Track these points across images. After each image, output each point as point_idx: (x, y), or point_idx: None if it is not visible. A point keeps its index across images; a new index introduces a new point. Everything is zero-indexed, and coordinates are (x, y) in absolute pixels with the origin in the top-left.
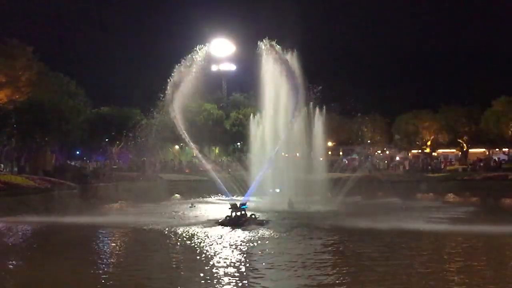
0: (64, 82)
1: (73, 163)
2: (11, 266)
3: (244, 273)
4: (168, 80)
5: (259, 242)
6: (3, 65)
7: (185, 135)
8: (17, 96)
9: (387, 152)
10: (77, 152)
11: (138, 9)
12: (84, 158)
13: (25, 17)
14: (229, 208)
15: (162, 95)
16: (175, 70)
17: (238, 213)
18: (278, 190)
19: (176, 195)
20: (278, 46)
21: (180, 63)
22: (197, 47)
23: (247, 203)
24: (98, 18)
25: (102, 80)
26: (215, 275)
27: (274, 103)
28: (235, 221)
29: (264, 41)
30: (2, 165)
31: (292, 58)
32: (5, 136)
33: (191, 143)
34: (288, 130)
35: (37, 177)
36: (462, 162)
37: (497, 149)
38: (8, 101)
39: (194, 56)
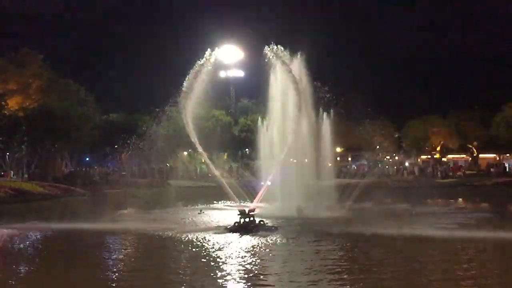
0: (73, 89)
1: (83, 169)
2: (22, 273)
3: (254, 280)
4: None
5: (268, 248)
6: (14, 73)
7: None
8: (27, 103)
9: (396, 158)
10: (87, 159)
11: (146, 16)
12: (95, 167)
13: (35, 25)
14: (238, 214)
15: (171, 102)
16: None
17: (247, 220)
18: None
19: (183, 202)
20: (286, 51)
21: (188, 69)
22: (206, 53)
23: (255, 209)
24: (107, 25)
25: (111, 87)
26: (226, 281)
27: (282, 109)
28: (244, 228)
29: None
30: (12, 172)
31: (299, 63)
32: (16, 143)
33: (200, 149)
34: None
35: (47, 183)
36: (472, 168)
37: (507, 154)
38: (19, 108)
39: (203, 62)
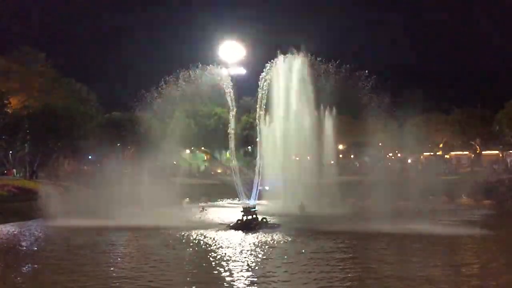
0: (76, 88)
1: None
2: (25, 269)
3: (256, 276)
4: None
5: (270, 245)
6: (16, 72)
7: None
8: (30, 102)
9: (399, 155)
10: (89, 157)
11: (148, 14)
12: (98, 165)
13: (38, 25)
14: (241, 211)
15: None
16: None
17: (250, 217)
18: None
19: (187, 199)
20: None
21: (190, 67)
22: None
23: (256, 206)
24: (109, 24)
25: (113, 86)
26: (228, 278)
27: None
28: (246, 225)
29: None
30: (15, 170)
31: (303, 62)
32: (19, 142)
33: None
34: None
35: (50, 181)
36: (471, 165)
37: (510, 151)
38: (22, 107)
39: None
